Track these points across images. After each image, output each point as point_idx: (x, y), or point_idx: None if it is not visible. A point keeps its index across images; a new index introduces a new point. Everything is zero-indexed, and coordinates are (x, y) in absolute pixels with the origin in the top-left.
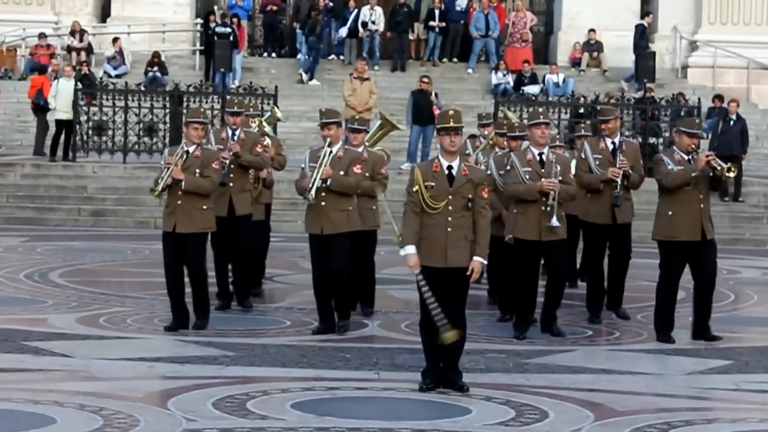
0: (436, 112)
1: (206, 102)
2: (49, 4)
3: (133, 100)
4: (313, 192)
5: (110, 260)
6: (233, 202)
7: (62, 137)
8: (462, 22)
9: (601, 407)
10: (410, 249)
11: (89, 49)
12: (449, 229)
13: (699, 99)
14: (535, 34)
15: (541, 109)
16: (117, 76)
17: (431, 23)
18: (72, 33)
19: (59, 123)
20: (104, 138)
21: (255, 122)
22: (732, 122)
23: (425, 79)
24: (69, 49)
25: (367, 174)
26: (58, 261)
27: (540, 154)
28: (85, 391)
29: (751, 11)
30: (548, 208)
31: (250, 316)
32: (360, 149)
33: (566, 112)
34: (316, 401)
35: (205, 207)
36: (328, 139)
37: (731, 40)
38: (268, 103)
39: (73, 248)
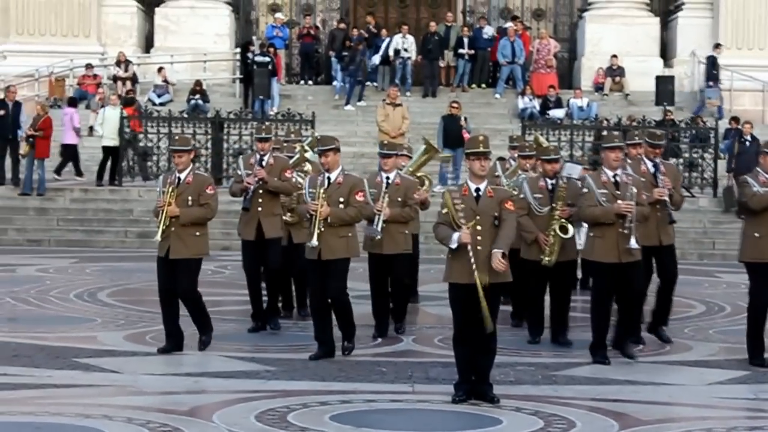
0: (466, 136)
1: (245, 128)
2: (95, 36)
3: (176, 127)
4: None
5: (156, 280)
6: (262, 226)
7: (108, 162)
8: (489, 49)
9: (626, 417)
10: (455, 235)
11: (134, 79)
12: (478, 248)
13: (716, 121)
14: (559, 60)
15: (616, 133)
16: (161, 104)
17: (460, 51)
18: (117, 63)
19: (106, 149)
20: (149, 163)
21: (298, 147)
22: (748, 143)
23: (455, 104)
24: (115, 78)
25: (399, 199)
26: (106, 281)
27: (615, 176)
28: (133, 405)
29: (765, 37)
30: (626, 230)
31: (290, 333)
32: (365, 176)
33: (590, 135)
34: (353, 413)
35: (198, 233)
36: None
37: (747, 65)
38: (307, 129)
39: (121, 269)
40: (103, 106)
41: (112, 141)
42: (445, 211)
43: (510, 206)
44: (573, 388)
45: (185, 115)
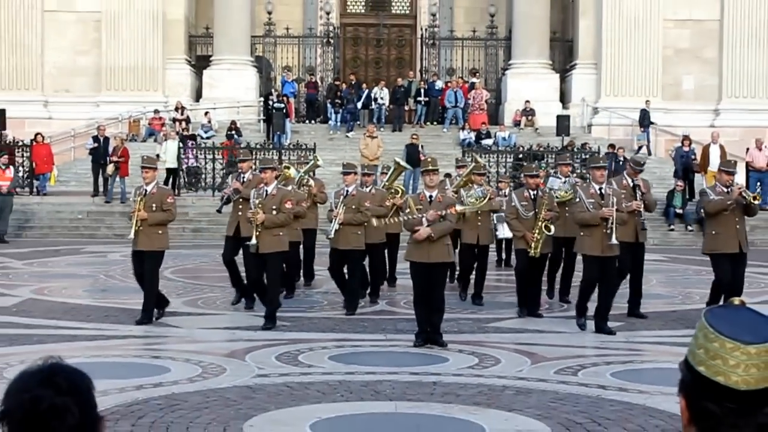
0: (422, 158)
1: (268, 154)
2: (160, 90)
3: (218, 154)
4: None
5: (204, 262)
6: (240, 226)
7: (170, 179)
8: (439, 97)
9: (536, 355)
10: (423, 218)
11: (188, 119)
12: (432, 238)
13: (599, 147)
14: (489, 104)
15: (601, 155)
16: (207, 138)
17: (418, 98)
18: (176, 109)
19: (168, 170)
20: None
21: (290, 169)
22: (621, 162)
23: (414, 136)
24: (174, 119)
25: (353, 207)
26: (169, 263)
27: (600, 189)
28: (189, 350)
29: (634, 87)
30: (608, 231)
31: (301, 297)
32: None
33: (510, 158)
34: (344, 354)
35: (161, 232)
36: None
37: (620, 106)
38: (310, 155)
39: (179, 254)
40: (165, 140)
41: (172, 164)
42: (408, 210)
43: (453, 210)
44: (500, 336)
45: (224, 146)
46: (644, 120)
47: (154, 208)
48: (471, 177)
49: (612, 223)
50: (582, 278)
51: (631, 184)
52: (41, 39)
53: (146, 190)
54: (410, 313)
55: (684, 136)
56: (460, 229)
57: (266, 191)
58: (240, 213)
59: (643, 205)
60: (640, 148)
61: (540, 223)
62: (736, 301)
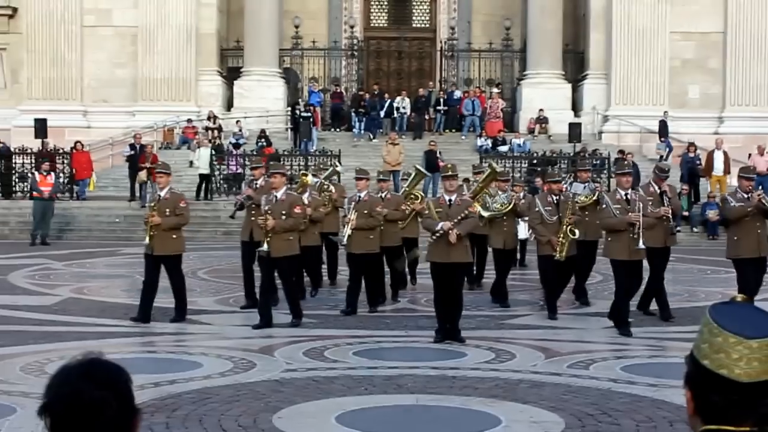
0: (440, 164)
1: (295, 161)
2: (193, 101)
3: (248, 161)
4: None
5: (235, 263)
6: (253, 231)
7: (203, 185)
8: (457, 106)
9: (549, 350)
10: (440, 224)
11: (220, 128)
12: (452, 240)
13: (609, 153)
14: (504, 112)
15: (626, 162)
16: (238, 146)
17: (438, 107)
18: (208, 118)
19: (201, 176)
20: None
21: (308, 176)
22: (631, 166)
23: (432, 143)
24: (207, 128)
25: (365, 211)
26: (202, 264)
27: (626, 194)
28: (221, 346)
29: (642, 96)
30: (634, 236)
31: (327, 297)
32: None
33: (525, 163)
34: (368, 350)
35: (175, 236)
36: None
37: (630, 114)
38: (332, 162)
39: (212, 256)
40: (198, 147)
41: (205, 170)
42: (427, 212)
43: (473, 209)
44: (515, 332)
45: (254, 153)
46: (663, 130)
47: (167, 213)
48: (489, 183)
49: (639, 228)
50: (616, 287)
51: (658, 191)
52: (81, 52)
53: (160, 196)
54: (430, 311)
55: (689, 143)
56: (486, 235)
57: (275, 197)
58: (253, 218)
59: (670, 211)
60: (661, 157)
61: (565, 228)
62: (739, 297)
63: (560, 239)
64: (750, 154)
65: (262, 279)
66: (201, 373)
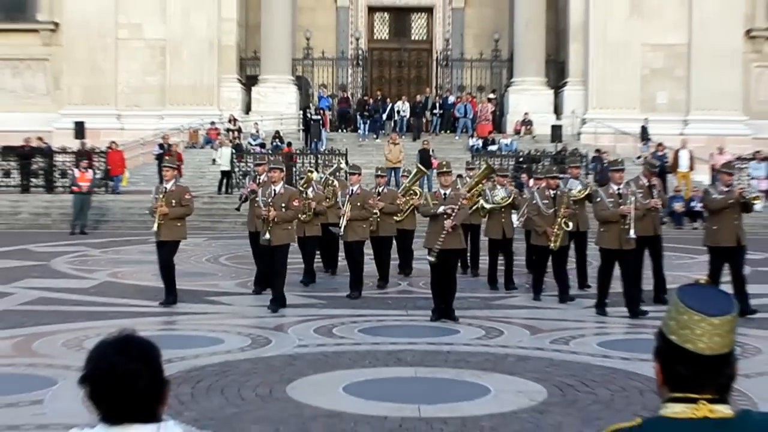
0: (434, 161)
1: (306, 158)
2: (216, 105)
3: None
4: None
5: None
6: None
7: (224, 181)
8: (451, 110)
9: (534, 328)
10: (441, 208)
11: (239, 130)
12: (447, 230)
13: (587, 152)
14: (494, 115)
15: (620, 159)
16: (256, 145)
17: (434, 111)
18: (229, 120)
19: (222, 172)
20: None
21: (313, 172)
22: (605, 164)
23: (425, 142)
24: (227, 129)
25: (358, 204)
26: (223, 251)
27: (618, 189)
28: (240, 324)
29: (616, 102)
30: (626, 226)
31: (334, 280)
32: (381, 188)
33: (512, 161)
34: (372, 327)
35: (179, 224)
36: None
37: (605, 118)
38: (338, 159)
39: (232, 244)
40: (220, 146)
41: (226, 167)
42: (424, 202)
43: (465, 201)
44: (503, 312)
45: (270, 151)
46: (644, 134)
47: (173, 204)
48: (483, 178)
49: (630, 220)
50: (599, 269)
51: (647, 184)
52: (115, 62)
53: (166, 188)
54: (427, 293)
55: (658, 143)
56: (479, 225)
57: (274, 190)
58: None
59: (659, 203)
60: (639, 157)
61: (560, 220)
62: (703, 280)
63: (555, 230)
64: (711, 153)
65: (262, 265)
66: (222, 349)
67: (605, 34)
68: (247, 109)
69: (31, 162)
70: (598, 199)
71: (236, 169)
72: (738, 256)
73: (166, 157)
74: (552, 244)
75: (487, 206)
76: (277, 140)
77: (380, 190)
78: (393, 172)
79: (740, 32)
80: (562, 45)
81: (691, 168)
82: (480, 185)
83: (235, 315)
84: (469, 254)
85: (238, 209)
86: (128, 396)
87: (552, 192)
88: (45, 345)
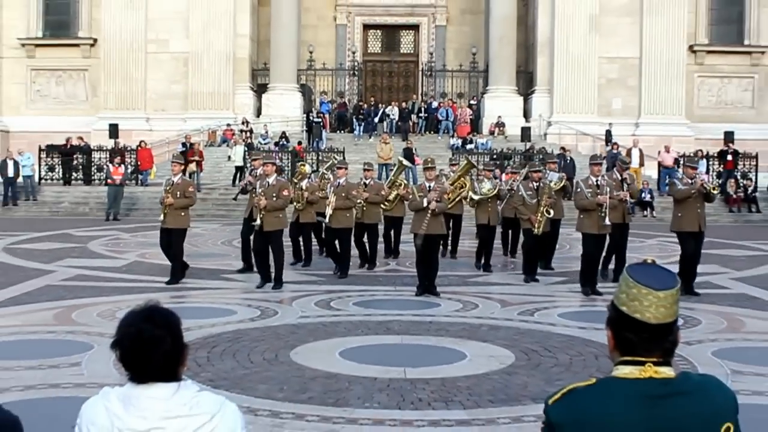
0: (416, 158)
1: (308, 156)
2: (231, 109)
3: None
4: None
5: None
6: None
7: (238, 174)
8: (434, 114)
9: (504, 302)
10: (425, 200)
11: (251, 130)
12: (428, 215)
13: (552, 150)
14: (471, 119)
15: (599, 153)
16: (265, 144)
17: (420, 114)
18: (242, 122)
19: (236, 168)
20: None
21: (305, 166)
22: (568, 160)
23: (409, 141)
24: (241, 130)
25: (343, 194)
26: (236, 236)
27: (596, 180)
28: (250, 298)
29: (577, 106)
30: (602, 214)
31: (329, 262)
32: (367, 181)
33: (487, 158)
34: (365, 301)
35: (183, 213)
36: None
37: (567, 120)
38: (335, 156)
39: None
40: (235, 145)
41: (240, 163)
42: (411, 196)
43: (446, 195)
44: (478, 288)
45: (277, 149)
46: (609, 136)
47: (178, 195)
48: (464, 173)
49: (606, 208)
50: (582, 253)
51: (620, 178)
52: (144, 72)
53: (173, 181)
54: (413, 272)
55: (614, 142)
56: (461, 214)
57: (268, 182)
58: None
59: (629, 195)
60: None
61: (542, 208)
62: (649, 260)
63: (538, 218)
64: (659, 151)
65: (256, 247)
66: (235, 319)
67: (568, 48)
68: (258, 112)
69: (72, 158)
70: (578, 190)
71: (248, 165)
72: (698, 240)
73: (174, 154)
74: (536, 229)
75: (476, 197)
76: (283, 139)
77: (366, 182)
78: (384, 167)
79: (684, 47)
80: (531, 58)
81: (642, 164)
82: (461, 179)
83: (246, 290)
84: (450, 240)
85: (235, 199)
86: (153, 358)
87: (535, 184)
88: (82, 315)
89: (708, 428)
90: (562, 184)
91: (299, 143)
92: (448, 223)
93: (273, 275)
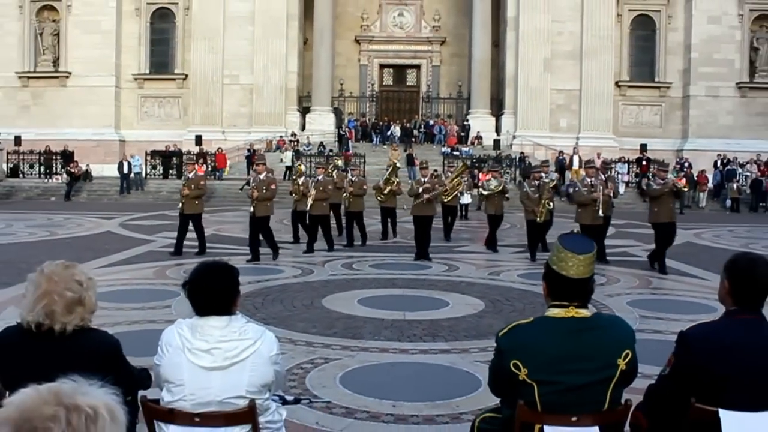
0: (416, 161)
1: (338, 159)
2: (283, 125)
3: (312, 160)
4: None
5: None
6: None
7: (287, 172)
8: (431, 129)
9: (478, 265)
10: (420, 188)
11: (297, 141)
12: (423, 201)
13: (516, 157)
14: (457, 133)
15: (596, 161)
16: (308, 150)
17: (420, 130)
18: (291, 135)
19: (286, 167)
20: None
21: (302, 166)
22: (527, 164)
23: (410, 148)
24: (290, 140)
25: (321, 188)
26: (285, 217)
27: (591, 180)
28: (294, 261)
29: (534, 124)
30: (596, 208)
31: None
32: (353, 177)
33: (469, 161)
34: (377, 264)
35: (197, 202)
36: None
37: (527, 135)
38: (360, 160)
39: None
40: (285, 151)
41: (289, 164)
42: (410, 187)
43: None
44: (460, 255)
45: (316, 154)
46: (575, 148)
47: (192, 188)
48: (461, 173)
49: (599, 203)
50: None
51: (604, 179)
52: (221, 98)
53: (188, 177)
54: (412, 243)
55: (560, 151)
56: (455, 206)
57: (259, 178)
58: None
59: (612, 192)
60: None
61: (544, 201)
62: (575, 230)
63: (541, 209)
64: (592, 158)
65: (252, 230)
66: (282, 276)
67: (528, 82)
68: (303, 128)
69: (169, 160)
70: (576, 188)
71: (294, 165)
72: (671, 229)
73: (190, 156)
74: (539, 218)
75: (485, 192)
76: (321, 147)
77: (353, 178)
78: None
79: (612, 82)
80: (501, 89)
81: (580, 167)
82: (458, 178)
83: (291, 255)
84: (444, 228)
85: (241, 189)
86: (214, 298)
87: (536, 182)
88: (173, 272)
89: (613, 354)
90: (554, 183)
91: (347, 150)
92: (447, 215)
93: (270, 248)
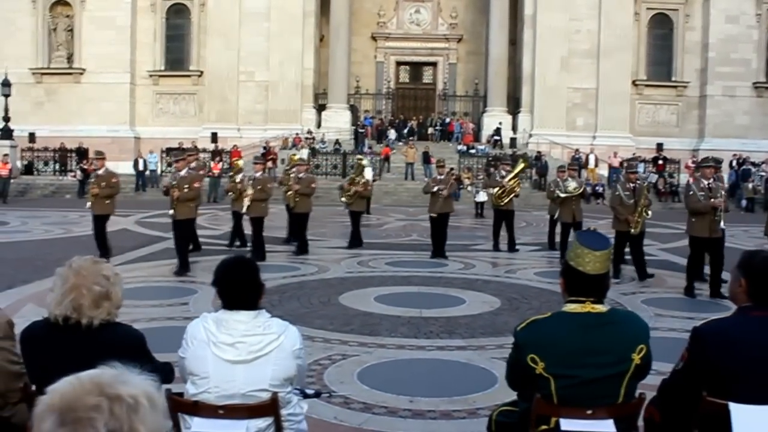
0: (431, 158)
1: (354, 157)
2: (299, 123)
3: (327, 157)
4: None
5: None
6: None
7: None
8: (447, 127)
9: (495, 263)
10: (436, 187)
11: (313, 138)
12: (439, 198)
13: (533, 155)
14: (473, 131)
15: (711, 156)
16: (324, 147)
17: (436, 127)
18: (307, 132)
19: None
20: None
21: (240, 161)
22: (543, 162)
23: (427, 147)
24: (306, 138)
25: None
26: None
27: (709, 184)
28: (312, 259)
29: (551, 123)
30: (717, 217)
31: (376, 232)
32: (300, 174)
33: (485, 160)
34: (393, 261)
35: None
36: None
37: (544, 134)
38: (375, 157)
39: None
40: (302, 148)
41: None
42: (426, 184)
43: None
44: (476, 253)
45: (332, 151)
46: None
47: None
48: (521, 170)
49: (720, 211)
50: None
51: (709, 184)
52: (237, 95)
53: (179, 175)
54: (428, 241)
55: (576, 149)
56: (512, 211)
57: (179, 175)
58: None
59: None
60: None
61: (640, 209)
62: (593, 228)
63: (637, 218)
64: (609, 156)
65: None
66: (299, 273)
67: (545, 80)
68: (318, 125)
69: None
70: (691, 192)
71: (311, 162)
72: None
73: (176, 152)
74: (633, 230)
75: (562, 195)
76: (336, 145)
77: (300, 176)
78: (410, 166)
79: (629, 81)
80: (518, 87)
81: (596, 165)
82: (516, 178)
83: (310, 254)
84: (507, 233)
85: (165, 194)
86: (239, 292)
87: (631, 185)
88: (191, 269)
89: (628, 348)
90: (581, 190)
91: (369, 147)
92: (501, 219)
93: (178, 261)
